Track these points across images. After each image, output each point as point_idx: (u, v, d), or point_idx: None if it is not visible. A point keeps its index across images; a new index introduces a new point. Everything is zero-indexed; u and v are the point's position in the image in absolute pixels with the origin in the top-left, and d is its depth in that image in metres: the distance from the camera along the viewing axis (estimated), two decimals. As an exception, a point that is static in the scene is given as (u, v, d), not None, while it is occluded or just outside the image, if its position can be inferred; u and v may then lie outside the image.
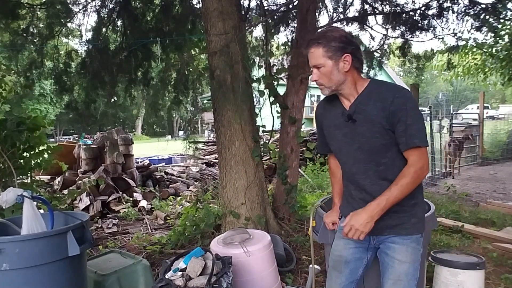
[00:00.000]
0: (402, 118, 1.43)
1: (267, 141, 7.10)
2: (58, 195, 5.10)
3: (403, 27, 5.15)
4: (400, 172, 1.48)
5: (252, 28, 4.93)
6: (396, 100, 1.43)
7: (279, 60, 6.12)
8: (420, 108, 1.73)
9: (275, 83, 3.82)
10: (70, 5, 5.51)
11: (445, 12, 4.91)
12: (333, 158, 1.82)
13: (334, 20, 5.34)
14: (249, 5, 4.65)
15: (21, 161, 3.59)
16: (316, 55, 1.47)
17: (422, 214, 1.61)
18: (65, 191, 6.39)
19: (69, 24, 5.85)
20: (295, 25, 4.95)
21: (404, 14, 5.06)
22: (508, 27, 6.13)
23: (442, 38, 5.93)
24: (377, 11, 5.22)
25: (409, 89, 5.47)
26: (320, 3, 5.05)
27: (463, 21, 4.95)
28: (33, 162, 3.65)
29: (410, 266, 1.56)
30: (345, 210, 1.75)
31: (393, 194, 1.44)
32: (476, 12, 4.82)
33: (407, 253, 1.56)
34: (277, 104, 3.90)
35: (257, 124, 3.79)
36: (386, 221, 1.55)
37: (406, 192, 1.45)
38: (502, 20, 5.26)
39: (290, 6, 5.20)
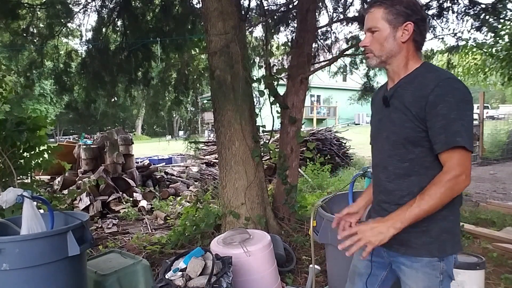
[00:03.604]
0: (442, 110, 1.17)
1: (267, 141, 7.10)
2: (58, 195, 5.09)
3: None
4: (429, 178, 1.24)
5: (252, 28, 4.93)
6: (438, 89, 1.18)
7: (279, 60, 6.12)
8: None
9: (275, 83, 3.82)
10: (70, 5, 5.51)
11: (445, 12, 4.92)
12: None
13: (334, 20, 5.34)
14: (249, 5, 4.65)
15: (21, 161, 3.59)
16: (374, 17, 1.29)
17: (440, 233, 1.27)
18: (65, 191, 6.39)
19: (69, 24, 5.85)
20: (295, 25, 4.95)
21: (404, 14, 5.05)
22: (508, 27, 6.12)
23: (442, 38, 5.92)
24: (377, 11, 5.21)
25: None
26: (320, 3, 5.06)
27: (463, 21, 4.96)
28: (33, 162, 3.65)
29: None
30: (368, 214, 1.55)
31: (419, 205, 1.17)
32: (476, 12, 4.82)
33: (417, 279, 1.29)
34: (277, 104, 3.90)
35: (257, 124, 3.79)
36: None
37: (437, 204, 1.17)
38: (502, 20, 5.26)
39: (290, 6, 5.20)
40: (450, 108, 1.17)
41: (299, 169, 6.32)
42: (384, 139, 1.35)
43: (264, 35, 4.77)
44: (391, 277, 1.46)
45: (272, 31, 5.44)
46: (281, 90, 4.01)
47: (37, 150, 3.65)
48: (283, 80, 4.09)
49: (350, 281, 1.55)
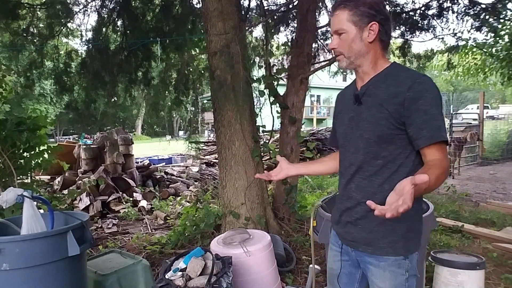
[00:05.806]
0: (423, 107, 1.19)
1: (267, 141, 7.10)
2: (58, 195, 5.09)
3: (403, 27, 5.16)
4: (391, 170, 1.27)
5: (252, 28, 4.93)
6: (417, 85, 1.20)
7: (279, 60, 6.13)
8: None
9: (275, 83, 3.82)
10: (70, 5, 5.52)
11: (445, 12, 4.92)
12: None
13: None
14: (249, 5, 4.65)
15: (21, 161, 3.58)
16: (340, 19, 1.29)
17: (406, 233, 1.30)
18: (65, 191, 6.39)
19: (69, 24, 5.86)
20: (295, 25, 4.95)
21: (404, 14, 5.06)
22: (508, 27, 6.12)
23: (442, 38, 5.92)
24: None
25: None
26: (320, 3, 5.06)
27: (463, 21, 4.97)
28: (33, 162, 3.65)
29: None
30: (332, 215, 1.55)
31: (431, 179, 1.03)
32: (476, 12, 4.83)
33: (384, 278, 1.32)
34: (277, 104, 3.90)
35: (257, 124, 3.80)
36: (357, 232, 1.36)
37: (438, 185, 1.17)
38: (502, 20, 5.27)
39: (290, 6, 5.20)
40: (430, 104, 1.20)
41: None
42: (358, 137, 1.34)
43: (264, 35, 4.77)
44: (365, 275, 1.46)
45: (272, 31, 5.45)
46: (281, 90, 4.01)
47: (37, 150, 3.65)
48: (283, 80, 4.09)
49: (331, 284, 1.55)
